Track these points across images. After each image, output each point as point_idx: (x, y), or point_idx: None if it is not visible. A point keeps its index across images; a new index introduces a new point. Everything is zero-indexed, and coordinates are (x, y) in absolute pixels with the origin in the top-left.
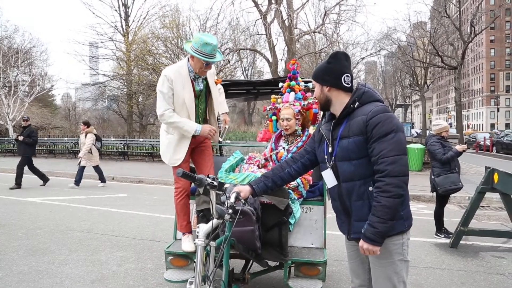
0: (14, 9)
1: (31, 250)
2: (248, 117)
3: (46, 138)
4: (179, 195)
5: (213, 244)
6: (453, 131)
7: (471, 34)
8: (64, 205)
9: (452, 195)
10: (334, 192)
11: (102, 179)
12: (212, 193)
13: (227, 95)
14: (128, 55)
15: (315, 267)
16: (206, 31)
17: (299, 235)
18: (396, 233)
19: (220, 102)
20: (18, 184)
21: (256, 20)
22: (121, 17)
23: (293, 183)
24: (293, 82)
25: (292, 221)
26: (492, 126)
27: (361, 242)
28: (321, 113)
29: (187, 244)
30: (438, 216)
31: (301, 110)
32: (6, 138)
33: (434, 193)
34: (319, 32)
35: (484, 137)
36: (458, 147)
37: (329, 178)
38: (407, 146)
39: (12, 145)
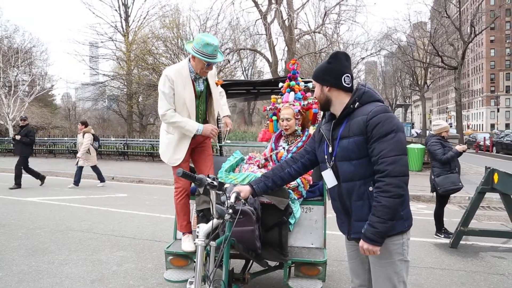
0: (14, 9)
1: (31, 250)
2: (248, 117)
3: (46, 138)
4: (179, 195)
5: (213, 244)
6: (453, 131)
7: (471, 34)
8: (64, 205)
9: (452, 195)
10: (334, 192)
11: (101, 178)
12: (212, 193)
13: (227, 95)
14: (128, 55)
15: (315, 267)
16: (206, 31)
17: (299, 235)
18: (396, 233)
19: (221, 105)
20: (17, 184)
21: (256, 20)
22: (121, 17)
23: (293, 183)
24: (293, 82)
25: (292, 221)
26: (492, 126)
27: (361, 242)
28: (321, 113)
29: (187, 244)
30: (438, 216)
31: (301, 110)
32: (6, 138)
33: (434, 193)
34: (319, 32)
35: (484, 137)
36: (458, 147)
37: (329, 178)
38: (407, 146)
39: (11, 144)
